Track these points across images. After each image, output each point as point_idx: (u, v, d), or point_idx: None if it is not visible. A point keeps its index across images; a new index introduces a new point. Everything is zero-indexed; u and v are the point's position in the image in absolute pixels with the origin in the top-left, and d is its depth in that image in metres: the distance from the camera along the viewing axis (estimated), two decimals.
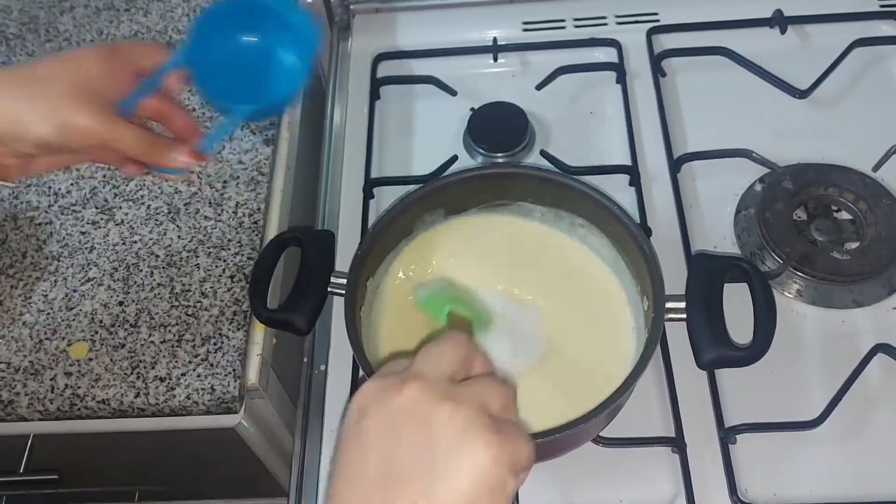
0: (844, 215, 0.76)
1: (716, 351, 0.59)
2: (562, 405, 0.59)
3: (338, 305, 0.74)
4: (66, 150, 0.54)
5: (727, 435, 0.65)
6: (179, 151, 0.56)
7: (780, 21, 0.89)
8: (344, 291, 0.63)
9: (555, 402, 0.61)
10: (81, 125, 0.52)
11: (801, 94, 0.84)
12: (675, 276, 0.65)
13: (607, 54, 0.90)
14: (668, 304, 0.60)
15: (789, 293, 0.73)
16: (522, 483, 0.40)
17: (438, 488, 0.37)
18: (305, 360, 0.72)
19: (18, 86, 0.51)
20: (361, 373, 0.70)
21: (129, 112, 0.58)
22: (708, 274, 0.62)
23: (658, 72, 0.87)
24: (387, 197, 0.80)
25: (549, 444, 0.57)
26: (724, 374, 0.68)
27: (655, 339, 0.58)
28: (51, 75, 0.52)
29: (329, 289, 0.65)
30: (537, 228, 0.72)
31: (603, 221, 0.67)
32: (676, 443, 0.65)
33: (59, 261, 0.72)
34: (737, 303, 0.63)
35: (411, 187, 0.76)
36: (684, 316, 0.61)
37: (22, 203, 0.75)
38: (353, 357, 0.71)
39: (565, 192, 0.67)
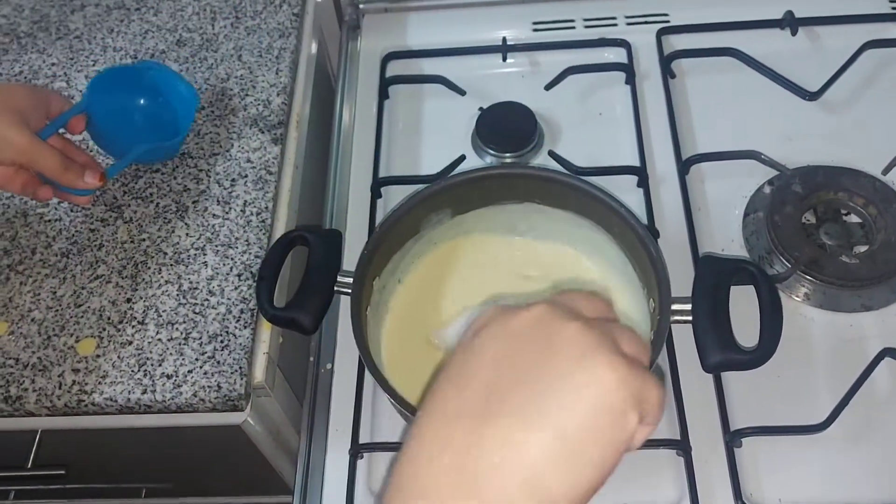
0: (854, 219, 0.76)
1: (721, 354, 0.59)
2: None
3: (344, 304, 0.74)
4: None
5: (733, 438, 0.65)
6: (90, 174, 0.67)
7: (790, 22, 0.89)
8: (350, 290, 0.63)
9: None
10: (16, 140, 0.62)
11: (812, 96, 0.84)
12: (682, 279, 0.65)
13: (617, 55, 0.89)
14: (675, 306, 0.60)
15: (797, 297, 0.73)
16: (646, 435, 0.37)
17: (548, 406, 0.34)
18: (311, 358, 0.73)
19: None
20: (367, 372, 0.70)
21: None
22: (715, 276, 0.62)
23: (668, 73, 0.87)
24: (395, 196, 0.81)
25: None
26: (730, 377, 0.68)
27: (661, 341, 0.58)
28: None
29: (336, 288, 0.65)
30: (540, 238, 0.72)
31: (609, 223, 0.67)
32: (681, 445, 0.65)
33: (68, 258, 0.72)
34: (743, 306, 0.63)
35: (419, 187, 0.76)
36: (690, 318, 0.60)
37: (32, 200, 0.76)
38: (360, 356, 0.71)
39: (571, 192, 0.67)
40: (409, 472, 0.35)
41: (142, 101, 0.76)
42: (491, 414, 0.34)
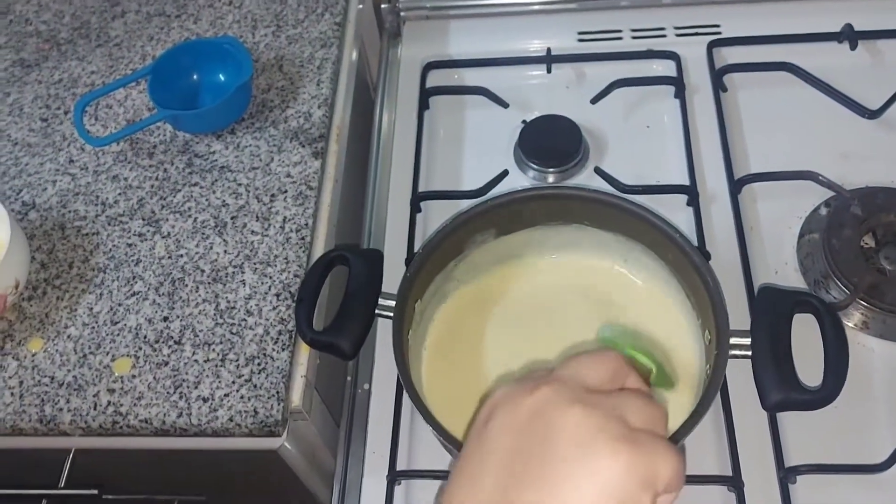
0: None
1: (783, 393, 0.56)
2: None
3: (383, 323, 0.72)
4: None
5: (787, 475, 0.62)
6: None
7: (849, 36, 0.85)
8: (392, 314, 0.61)
9: None
10: None
11: (871, 115, 0.80)
12: (733, 304, 0.62)
13: (666, 67, 0.87)
14: (733, 340, 0.57)
15: (854, 324, 0.70)
16: (671, 502, 0.36)
17: (559, 497, 0.34)
18: (349, 378, 0.71)
19: None
20: (405, 394, 0.68)
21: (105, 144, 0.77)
22: (775, 309, 0.59)
23: (719, 87, 0.84)
24: (434, 211, 0.79)
25: None
26: (785, 412, 0.65)
27: (718, 378, 0.55)
28: None
29: (376, 311, 0.63)
30: (589, 264, 0.70)
31: (662, 248, 0.64)
32: (733, 482, 0.62)
33: (105, 273, 0.71)
34: (802, 334, 0.60)
35: (460, 202, 0.74)
36: (749, 353, 0.58)
37: (70, 212, 0.75)
38: (398, 377, 0.69)
39: (622, 215, 0.65)
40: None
41: (198, 76, 0.81)
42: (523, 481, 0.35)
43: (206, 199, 0.74)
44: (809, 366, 0.58)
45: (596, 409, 0.36)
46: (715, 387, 0.55)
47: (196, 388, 0.64)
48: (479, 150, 0.84)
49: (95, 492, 0.67)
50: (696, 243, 0.73)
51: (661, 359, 0.61)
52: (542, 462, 0.35)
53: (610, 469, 0.34)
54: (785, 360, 0.57)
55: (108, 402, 0.64)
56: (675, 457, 0.36)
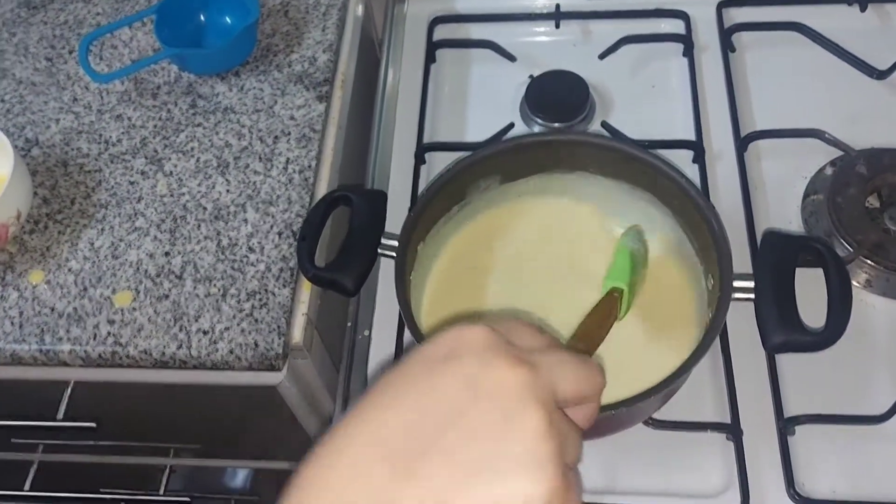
0: None
1: (785, 334, 0.56)
2: (616, 384, 0.56)
3: (384, 270, 0.72)
4: None
5: (786, 425, 0.62)
6: None
7: None
8: (394, 254, 0.61)
9: (610, 380, 0.58)
10: None
11: (880, 75, 0.80)
12: (737, 261, 0.62)
13: (674, 26, 0.86)
14: (736, 283, 0.57)
15: (858, 283, 0.69)
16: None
17: (470, 496, 0.31)
18: (349, 324, 0.71)
19: None
20: (407, 337, 0.68)
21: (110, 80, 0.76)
22: (779, 253, 0.59)
23: (727, 46, 0.83)
24: (438, 162, 0.78)
25: (602, 421, 0.54)
26: (785, 363, 0.65)
27: (721, 319, 0.55)
28: None
29: (379, 250, 0.63)
30: (592, 209, 0.69)
31: (666, 193, 0.64)
32: (731, 430, 0.62)
33: (106, 209, 0.71)
34: (806, 289, 0.60)
35: (464, 154, 0.74)
36: (752, 296, 0.57)
37: (73, 150, 0.74)
38: (398, 322, 0.69)
39: (628, 161, 0.64)
40: (319, 486, 0.32)
41: (205, 17, 0.80)
42: (416, 471, 0.31)
43: (209, 140, 0.74)
44: (812, 319, 0.58)
45: (554, 427, 0.33)
46: (716, 329, 0.55)
47: (196, 321, 0.64)
48: (485, 104, 0.83)
49: (93, 425, 0.67)
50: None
51: (635, 288, 0.59)
52: (479, 450, 0.32)
53: (536, 490, 0.31)
54: (787, 302, 0.57)
55: (108, 333, 0.64)
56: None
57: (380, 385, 0.34)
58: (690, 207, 0.61)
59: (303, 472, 0.33)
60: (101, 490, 0.88)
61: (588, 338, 0.48)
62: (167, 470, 0.89)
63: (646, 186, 0.65)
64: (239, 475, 1.01)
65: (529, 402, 0.32)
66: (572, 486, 0.33)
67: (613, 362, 0.60)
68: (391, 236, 0.63)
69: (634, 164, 0.64)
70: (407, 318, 0.58)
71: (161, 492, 0.88)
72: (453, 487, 0.31)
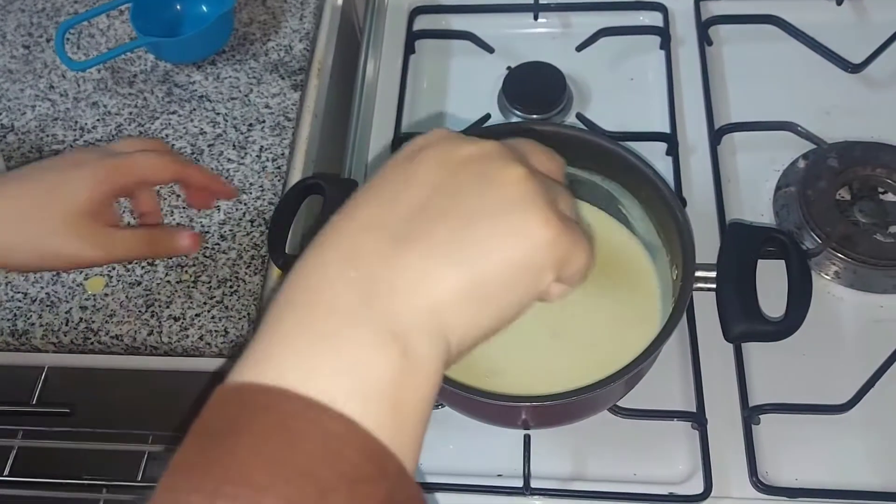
0: (890, 197, 0.73)
1: (745, 324, 0.57)
2: (581, 371, 0.56)
3: None
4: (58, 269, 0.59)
5: (751, 414, 0.63)
6: (181, 237, 0.58)
7: None
8: None
9: (573, 368, 0.59)
10: (69, 255, 0.52)
11: (854, 69, 0.80)
12: (708, 251, 0.63)
13: (652, 18, 0.86)
14: (698, 273, 0.58)
15: (827, 275, 0.70)
16: (560, 293, 0.36)
17: (470, 245, 0.32)
18: None
19: (5, 221, 0.51)
20: None
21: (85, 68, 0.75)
22: (742, 244, 0.60)
23: (704, 39, 0.84)
24: None
25: (566, 407, 0.55)
26: (751, 353, 0.66)
27: (682, 308, 0.56)
28: (37, 210, 0.51)
29: None
30: None
31: (634, 184, 0.64)
32: (697, 418, 0.63)
33: None
34: (771, 281, 0.60)
35: None
36: (714, 286, 0.58)
37: (48, 136, 0.75)
38: None
39: (595, 151, 0.65)
40: (313, 276, 0.32)
41: (181, 6, 0.80)
42: (410, 237, 0.32)
43: (184, 127, 0.74)
44: (776, 311, 0.59)
45: (537, 177, 0.34)
46: (676, 318, 0.55)
47: (168, 307, 0.64)
48: (463, 95, 0.84)
49: (67, 410, 0.67)
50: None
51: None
52: (466, 206, 0.33)
53: (534, 236, 0.33)
54: (749, 292, 0.57)
55: (80, 319, 0.64)
56: (591, 255, 0.35)
57: (360, 190, 0.35)
58: (656, 197, 0.62)
59: (301, 260, 0.33)
60: (83, 476, 0.88)
61: None
62: (145, 456, 0.90)
63: (614, 177, 0.66)
64: None
65: (500, 158, 0.34)
66: (575, 231, 0.34)
67: (581, 348, 0.62)
68: None
69: (603, 154, 0.64)
70: None
71: (139, 478, 0.88)
72: (457, 236, 0.32)
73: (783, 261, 0.61)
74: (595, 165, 0.66)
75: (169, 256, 0.60)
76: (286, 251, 0.63)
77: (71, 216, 0.51)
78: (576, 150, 0.66)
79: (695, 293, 0.58)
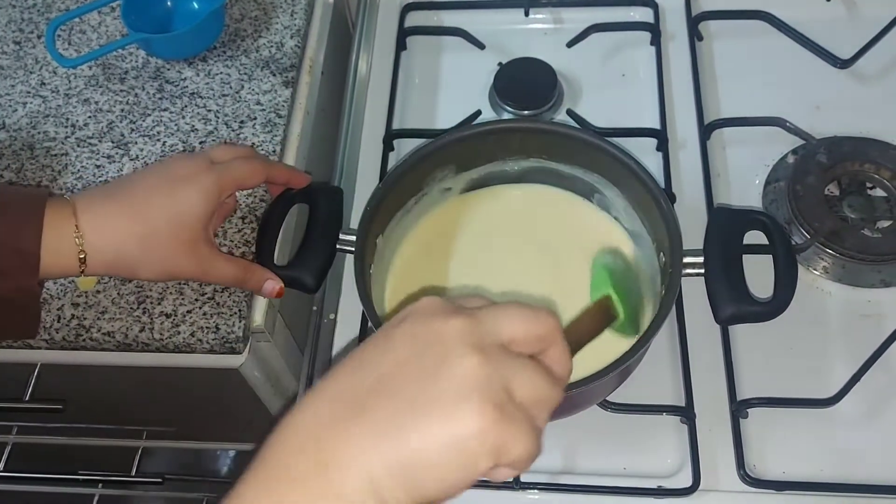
0: (879, 192, 0.73)
1: (735, 306, 0.57)
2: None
3: (349, 259, 0.73)
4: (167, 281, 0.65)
5: (739, 408, 0.63)
6: (270, 285, 0.62)
7: None
8: (353, 248, 0.62)
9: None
10: (184, 272, 0.58)
11: (843, 65, 0.81)
12: (697, 242, 0.63)
13: (643, 14, 0.87)
14: (686, 259, 0.59)
15: (815, 270, 0.71)
16: (506, 476, 0.38)
17: (407, 426, 0.35)
18: (314, 308, 0.72)
19: (134, 238, 0.55)
20: (370, 325, 0.69)
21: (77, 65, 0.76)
22: (727, 227, 0.61)
23: (695, 35, 0.84)
24: (407, 149, 0.79)
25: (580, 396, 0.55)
26: (739, 347, 0.67)
27: (672, 296, 0.57)
28: (161, 231, 0.55)
29: (338, 246, 0.64)
30: (546, 191, 0.70)
31: (620, 180, 0.65)
32: (685, 413, 0.63)
33: (72, 192, 0.71)
34: (758, 270, 0.61)
35: (420, 144, 0.74)
36: (702, 271, 0.59)
37: (39, 133, 0.75)
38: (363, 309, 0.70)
39: (580, 146, 0.65)
40: (289, 438, 0.37)
41: (172, 3, 0.80)
42: (362, 411, 0.36)
43: (176, 124, 0.74)
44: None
45: (490, 366, 0.36)
46: (668, 306, 0.56)
47: (159, 304, 0.64)
48: (455, 91, 0.84)
49: (60, 406, 0.67)
50: (663, 186, 0.74)
51: (637, 305, 0.58)
52: (417, 388, 0.36)
53: (466, 426, 0.35)
54: (736, 275, 0.58)
55: (72, 316, 0.64)
56: (534, 444, 0.36)
57: (345, 358, 0.39)
58: (640, 189, 0.62)
59: (288, 416, 0.38)
60: (78, 472, 0.89)
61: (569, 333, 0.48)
62: (139, 452, 0.90)
63: (599, 171, 0.66)
64: (213, 457, 1.02)
65: (462, 345, 0.36)
66: (515, 420, 0.36)
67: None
68: (350, 231, 0.63)
69: (585, 148, 0.65)
70: (368, 311, 0.59)
71: (133, 473, 0.89)
72: (396, 421, 0.35)
73: (770, 255, 0.61)
74: (579, 159, 0.67)
75: (255, 292, 0.64)
76: (275, 261, 0.63)
77: (191, 241, 0.56)
78: (558, 145, 0.67)
79: (683, 280, 0.59)
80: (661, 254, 0.61)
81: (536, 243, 0.68)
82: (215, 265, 0.58)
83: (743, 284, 0.58)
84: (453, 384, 0.35)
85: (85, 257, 0.54)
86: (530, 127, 0.68)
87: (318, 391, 0.38)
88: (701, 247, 0.62)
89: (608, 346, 0.59)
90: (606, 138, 0.64)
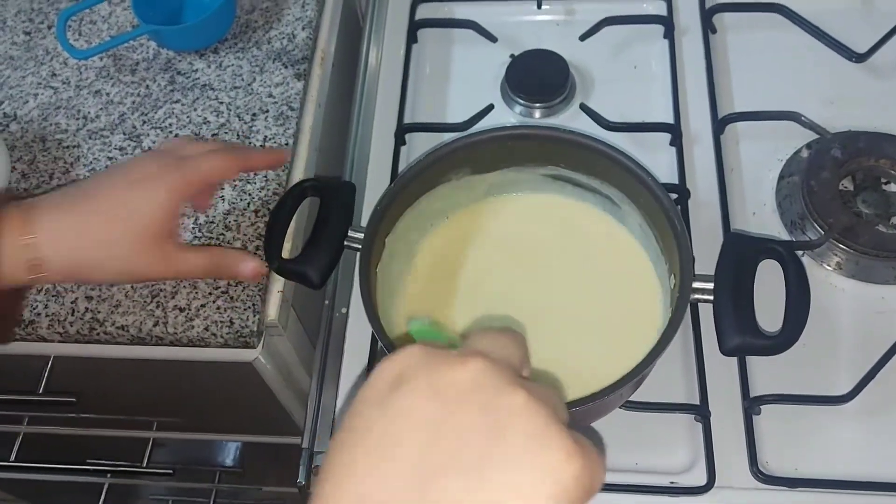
0: (893, 188, 0.73)
1: (740, 338, 0.56)
2: (586, 376, 0.56)
3: None
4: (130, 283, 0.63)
5: (752, 405, 0.63)
6: (244, 265, 0.59)
7: None
8: (360, 247, 0.61)
9: (580, 373, 0.59)
10: (152, 271, 0.56)
11: (859, 58, 0.80)
12: (710, 244, 0.63)
13: (656, 7, 0.86)
14: (695, 284, 0.57)
15: (829, 265, 0.70)
16: None
17: (497, 491, 0.29)
18: (326, 302, 0.71)
19: (93, 243, 0.53)
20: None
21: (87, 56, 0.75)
22: (740, 255, 0.59)
23: (708, 27, 0.84)
24: (418, 143, 0.79)
25: (573, 414, 0.55)
26: None
27: (678, 321, 0.56)
28: (121, 231, 0.53)
29: (346, 243, 0.63)
30: (564, 202, 0.69)
31: (635, 192, 0.64)
32: (700, 410, 0.63)
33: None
34: (770, 282, 0.60)
35: (444, 135, 0.74)
36: (711, 298, 0.58)
37: (51, 125, 0.75)
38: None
39: (598, 158, 0.64)
40: None
41: None
42: (422, 498, 0.28)
43: (188, 116, 0.74)
44: (774, 319, 0.58)
45: (538, 397, 0.31)
46: (674, 327, 0.55)
47: (173, 298, 0.64)
48: (466, 84, 0.84)
49: (73, 399, 0.68)
50: (677, 182, 0.74)
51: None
52: (476, 451, 0.29)
53: (563, 471, 0.29)
54: (745, 306, 0.56)
55: (86, 309, 0.64)
56: (604, 464, 0.32)
57: (339, 440, 0.32)
58: (655, 206, 0.61)
59: None
60: (87, 461, 0.89)
61: None
62: (150, 443, 0.91)
63: (615, 183, 0.65)
64: (223, 448, 1.03)
65: (498, 382, 0.31)
66: (588, 449, 0.31)
67: (583, 356, 0.62)
68: (358, 229, 0.62)
69: (603, 160, 0.64)
70: (368, 312, 0.58)
71: (144, 464, 0.89)
72: (471, 491, 0.29)
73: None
74: (596, 170, 0.66)
75: (233, 279, 0.62)
76: (282, 254, 0.63)
77: (153, 239, 0.54)
78: (576, 154, 0.66)
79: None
80: (673, 275, 0.60)
81: (553, 255, 0.68)
82: (185, 260, 0.56)
83: (751, 316, 0.56)
84: (523, 428, 0.30)
85: (40, 265, 0.51)
86: (548, 135, 0.66)
87: (332, 495, 0.30)
88: (712, 250, 0.60)
89: (623, 355, 0.58)
90: (625, 153, 0.63)
